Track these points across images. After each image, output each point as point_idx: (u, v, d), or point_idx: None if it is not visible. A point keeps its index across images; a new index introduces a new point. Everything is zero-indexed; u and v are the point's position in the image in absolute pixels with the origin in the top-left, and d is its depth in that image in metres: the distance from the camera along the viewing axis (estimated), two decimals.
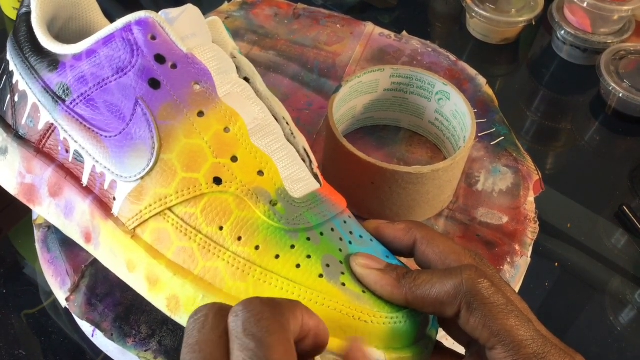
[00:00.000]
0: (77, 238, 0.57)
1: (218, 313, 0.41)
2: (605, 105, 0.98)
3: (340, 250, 0.51)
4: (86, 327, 0.62)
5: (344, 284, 0.49)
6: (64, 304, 0.63)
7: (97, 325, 0.61)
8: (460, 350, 0.53)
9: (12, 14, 1.00)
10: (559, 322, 0.76)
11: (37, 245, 0.67)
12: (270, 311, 0.40)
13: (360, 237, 0.53)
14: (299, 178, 0.53)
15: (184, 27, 0.54)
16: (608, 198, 0.88)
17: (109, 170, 0.54)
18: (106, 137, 0.54)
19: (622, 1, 0.97)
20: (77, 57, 0.54)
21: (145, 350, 0.60)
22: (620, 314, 0.77)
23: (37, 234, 0.67)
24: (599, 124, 0.97)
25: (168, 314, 0.51)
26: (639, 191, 0.88)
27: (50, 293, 0.68)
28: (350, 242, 0.51)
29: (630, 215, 0.84)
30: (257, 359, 0.38)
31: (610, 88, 0.93)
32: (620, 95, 0.93)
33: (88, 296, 0.62)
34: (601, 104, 0.98)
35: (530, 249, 0.70)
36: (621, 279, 0.80)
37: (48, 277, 0.66)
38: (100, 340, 0.62)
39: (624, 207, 0.85)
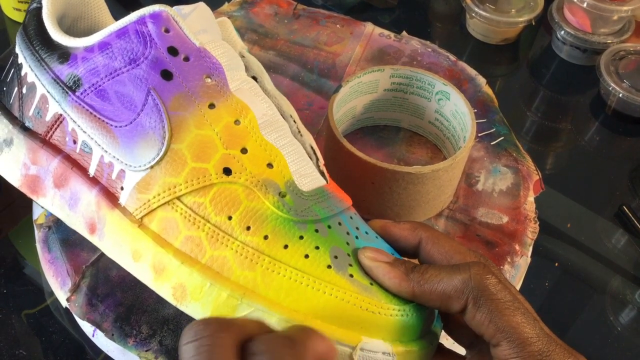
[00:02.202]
0: (82, 229, 0.57)
1: (223, 338, 0.40)
2: (605, 105, 0.97)
3: (348, 243, 0.51)
4: (87, 327, 0.63)
5: (351, 275, 0.49)
6: (64, 304, 0.63)
7: (97, 325, 0.61)
8: (460, 351, 0.53)
9: (12, 14, 1.00)
10: (559, 322, 0.75)
11: (38, 246, 0.67)
12: (290, 352, 0.40)
13: (366, 233, 0.53)
14: (306, 173, 0.54)
15: (195, 24, 0.55)
16: (608, 198, 0.88)
17: (117, 159, 0.54)
18: (116, 127, 0.54)
19: (622, 1, 0.97)
20: (89, 49, 0.55)
21: (146, 351, 0.60)
22: (620, 314, 0.77)
23: (38, 234, 0.67)
24: (599, 124, 0.97)
25: (174, 303, 0.51)
26: (639, 191, 0.88)
27: (50, 293, 0.68)
28: (356, 237, 0.52)
29: (630, 215, 0.84)
30: None
31: (610, 88, 0.93)
32: (620, 95, 0.92)
33: (89, 296, 0.62)
34: (601, 104, 0.98)
35: (531, 248, 0.71)
36: (621, 279, 0.80)
37: (48, 277, 0.66)
38: (101, 340, 0.62)
39: (624, 207, 0.85)
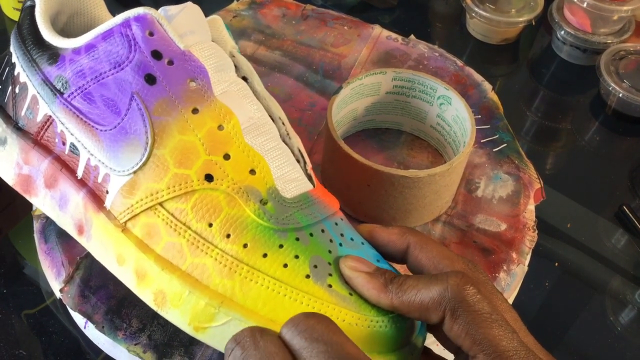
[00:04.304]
0: (71, 230, 0.55)
1: (263, 332, 0.41)
2: (605, 105, 0.94)
3: (330, 251, 0.49)
4: (79, 319, 0.61)
5: (330, 286, 0.47)
6: (58, 295, 0.61)
7: (88, 317, 0.59)
8: (450, 357, 0.50)
9: (12, 14, 0.97)
10: (559, 322, 0.72)
11: (35, 236, 0.65)
12: (319, 318, 0.41)
13: (351, 239, 0.51)
14: (291, 178, 0.51)
15: (182, 25, 0.52)
16: (608, 198, 0.85)
17: (103, 163, 0.52)
18: (101, 130, 0.52)
19: (622, 1, 0.93)
20: (77, 51, 0.53)
21: (135, 344, 0.58)
22: (620, 314, 0.73)
23: (35, 225, 0.65)
24: (599, 124, 0.94)
25: (155, 308, 0.49)
26: (639, 191, 0.85)
27: (50, 293, 0.66)
28: (340, 244, 0.49)
29: (630, 215, 0.80)
30: (335, 357, 0.39)
31: (610, 88, 0.90)
32: (620, 95, 0.89)
33: (81, 288, 0.60)
34: (601, 104, 0.95)
35: (528, 257, 0.67)
36: (621, 279, 0.77)
37: (44, 268, 0.64)
38: (91, 332, 0.60)
39: (624, 207, 0.81)
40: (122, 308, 0.59)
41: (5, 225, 0.74)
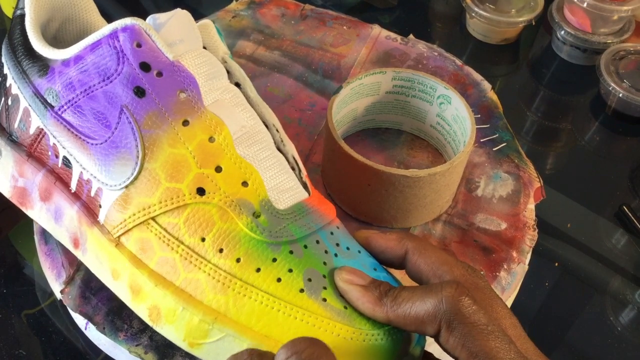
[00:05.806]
0: (67, 243, 0.55)
1: (262, 355, 0.41)
2: (605, 105, 0.93)
3: (325, 263, 0.48)
4: (80, 320, 0.60)
5: (325, 300, 0.46)
6: (59, 296, 0.61)
7: (89, 318, 0.59)
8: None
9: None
10: (559, 322, 0.72)
11: (35, 237, 0.65)
12: (313, 341, 0.40)
13: (348, 248, 0.50)
14: (286, 188, 0.51)
15: (171, 33, 0.51)
16: (608, 198, 0.84)
17: (95, 177, 0.52)
18: (92, 144, 0.51)
19: (622, 1, 0.93)
20: (66, 63, 0.52)
21: (136, 345, 0.57)
22: (620, 314, 0.73)
23: (35, 226, 0.65)
24: (599, 124, 0.93)
25: (150, 324, 0.49)
26: (639, 191, 0.84)
27: (50, 293, 0.66)
28: (335, 255, 0.49)
29: (630, 215, 0.80)
30: None
31: (610, 88, 0.89)
32: (620, 95, 0.89)
33: (82, 289, 0.60)
34: (601, 104, 0.94)
35: (529, 256, 0.67)
36: (621, 279, 0.76)
37: (45, 269, 0.63)
38: (92, 333, 0.60)
39: (624, 207, 0.81)
40: (123, 309, 0.58)
41: (5, 225, 0.74)
